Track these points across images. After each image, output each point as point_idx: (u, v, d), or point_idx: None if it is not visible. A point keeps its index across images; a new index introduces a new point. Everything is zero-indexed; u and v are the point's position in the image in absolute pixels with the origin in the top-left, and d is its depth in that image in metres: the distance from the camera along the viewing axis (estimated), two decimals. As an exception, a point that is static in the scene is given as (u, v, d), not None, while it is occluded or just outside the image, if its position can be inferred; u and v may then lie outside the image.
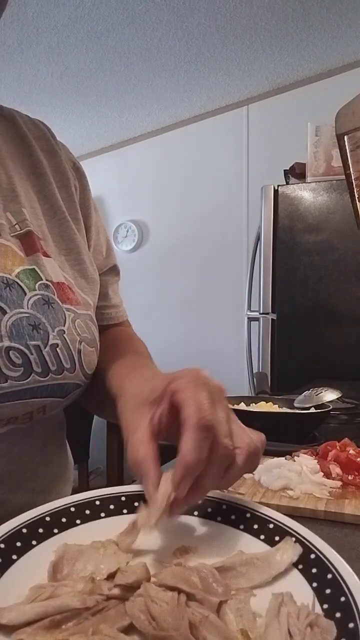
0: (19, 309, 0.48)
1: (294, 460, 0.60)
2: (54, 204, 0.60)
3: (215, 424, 0.37)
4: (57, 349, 0.50)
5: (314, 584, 0.31)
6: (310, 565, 0.32)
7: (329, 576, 0.30)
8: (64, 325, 0.52)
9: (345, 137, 0.74)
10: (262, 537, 0.37)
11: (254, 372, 2.14)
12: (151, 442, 0.39)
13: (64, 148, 0.67)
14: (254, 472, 0.60)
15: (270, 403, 0.93)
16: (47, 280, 0.53)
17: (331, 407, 0.86)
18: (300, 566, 0.33)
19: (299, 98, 2.62)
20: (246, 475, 0.60)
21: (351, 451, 0.59)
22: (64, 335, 0.51)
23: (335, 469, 0.57)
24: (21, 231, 0.54)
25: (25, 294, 0.50)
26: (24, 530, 0.37)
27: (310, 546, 0.34)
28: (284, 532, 0.36)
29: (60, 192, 0.62)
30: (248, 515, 0.40)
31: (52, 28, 2.10)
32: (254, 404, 0.92)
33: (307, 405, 0.91)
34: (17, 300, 0.49)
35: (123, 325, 0.75)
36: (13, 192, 0.56)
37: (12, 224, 0.53)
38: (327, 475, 0.56)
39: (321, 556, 0.32)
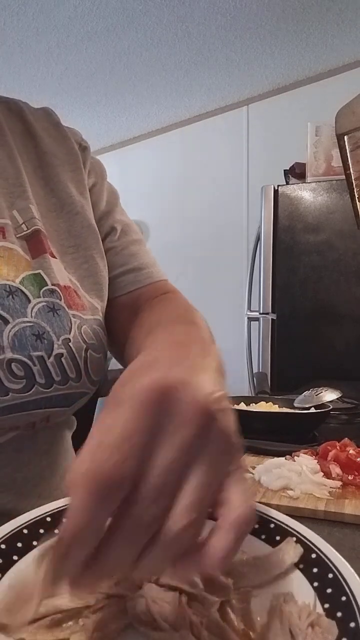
0: (22, 317, 0.47)
1: (294, 460, 0.60)
2: (62, 197, 0.58)
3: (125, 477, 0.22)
4: (62, 358, 0.49)
5: (315, 584, 0.31)
6: (311, 565, 0.32)
7: (330, 576, 0.30)
8: (70, 333, 0.50)
9: (345, 137, 0.74)
10: (263, 537, 0.37)
11: (254, 372, 2.14)
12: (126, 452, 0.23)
13: (72, 131, 0.65)
14: (254, 472, 0.60)
15: (270, 403, 0.93)
16: (53, 284, 0.50)
17: (331, 407, 0.86)
18: (301, 566, 0.33)
19: (299, 98, 2.62)
20: (246, 475, 0.60)
21: (351, 451, 0.59)
22: (70, 344, 0.50)
23: (335, 469, 0.57)
24: (27, 231, 0.52)
25: (30, 302, 0.48)
26: (25, 531, 0.37)
27: (311, 546, 0.34)
28: (285, 532, 0.36)
29: (74, 175, 0.60)
30: None
31: (52, 28, 2.10)
32: (254, 404, 0.92)
33: (307, 405, 0.91)
34: (21, 308, 0.47)
35: (148, 292, 0.63)
36: (21, 187, 0.54)
37: (18, 224, 0.51)
38: (327, 475, 0.56)
39: (322, 556, 0.32)
